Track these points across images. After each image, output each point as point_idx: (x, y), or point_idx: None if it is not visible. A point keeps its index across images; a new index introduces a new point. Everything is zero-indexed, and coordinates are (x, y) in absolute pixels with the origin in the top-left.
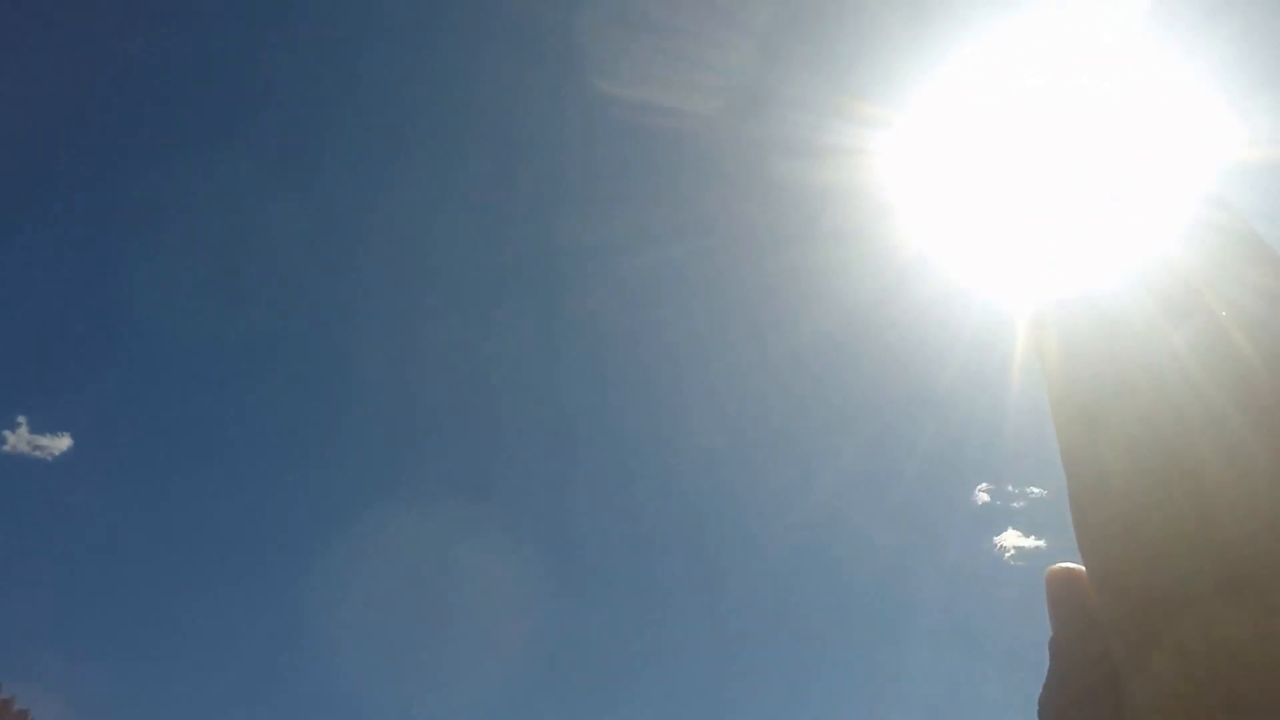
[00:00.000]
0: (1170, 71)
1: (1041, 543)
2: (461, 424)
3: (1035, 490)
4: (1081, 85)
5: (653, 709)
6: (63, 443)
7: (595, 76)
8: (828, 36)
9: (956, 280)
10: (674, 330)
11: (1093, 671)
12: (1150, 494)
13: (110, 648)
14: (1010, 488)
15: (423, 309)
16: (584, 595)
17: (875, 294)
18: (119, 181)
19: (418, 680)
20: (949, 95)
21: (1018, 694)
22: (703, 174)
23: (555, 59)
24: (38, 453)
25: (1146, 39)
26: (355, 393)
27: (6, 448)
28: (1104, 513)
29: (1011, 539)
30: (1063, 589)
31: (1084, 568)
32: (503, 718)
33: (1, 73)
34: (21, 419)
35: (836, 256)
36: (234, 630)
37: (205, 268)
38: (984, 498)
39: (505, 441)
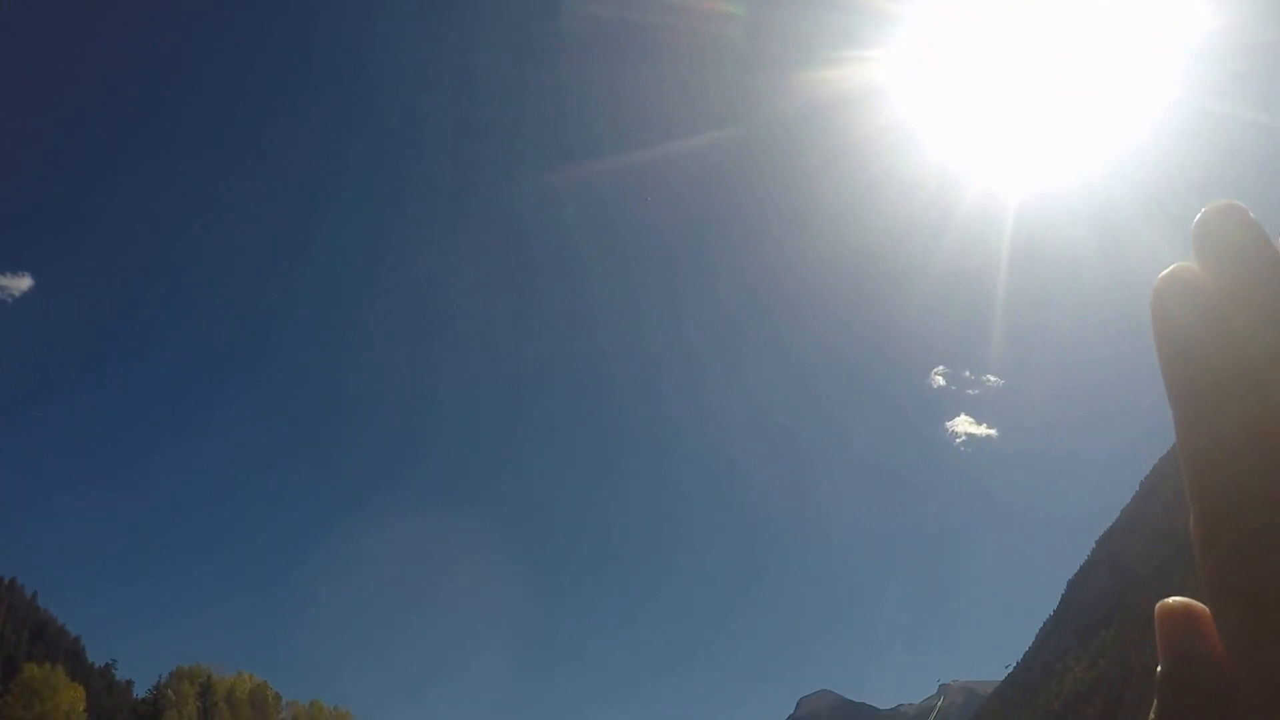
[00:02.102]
0: None
1: (993, 432)
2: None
3: (992, 379)
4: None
5: (649, 581)
6: (23, 283)
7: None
8: None
9: (940, 172)
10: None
11: (1207, 710)
12: (1270, 474)
13: (77, 486)
14: (967, 373)
15: (424, 222)
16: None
17: (857, 184)
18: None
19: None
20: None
21: (952, 578)
22: (713, 78)
23: None
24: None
25: None
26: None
27: None
28: (1220, 493)
29: (963, 425)
30: (1178, 624)
31: (1202, 604)
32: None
33: None
34: None
35: (823, 146)
36: (201, 465)
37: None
38: (939, 381)
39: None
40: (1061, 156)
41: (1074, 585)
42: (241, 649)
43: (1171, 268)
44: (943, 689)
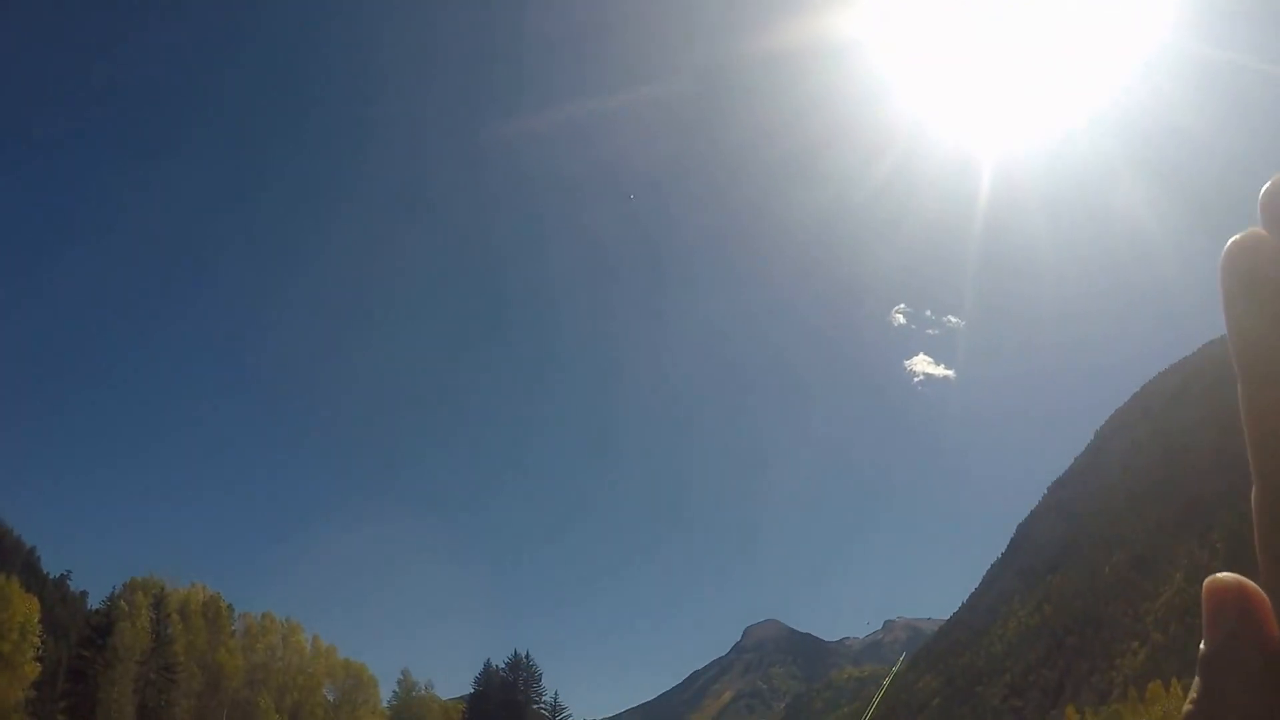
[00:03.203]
0: None
1: (951, 373)
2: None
3: (953, 319)
4: None
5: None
6: None
7: None
8: None
9: (918, 116)
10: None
11: (1255, 694)
12: None
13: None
14: (928, 313)
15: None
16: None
17: (831, 127)
18: None
19: None
20: None
21: (902, 517)
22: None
23: None
24: None
25: None
26: None
27: None
28: None
29: (922, 364)
30: (1229, 601)
31: (1257, 584)
32: None
33: None
34: None
35: (798, 94)
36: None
37: None
38: (900, 319)
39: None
40: (1041, 105)
41: (1023, 530)
42: (197, 561)
43: (1241, 234)
44: (887, 625)
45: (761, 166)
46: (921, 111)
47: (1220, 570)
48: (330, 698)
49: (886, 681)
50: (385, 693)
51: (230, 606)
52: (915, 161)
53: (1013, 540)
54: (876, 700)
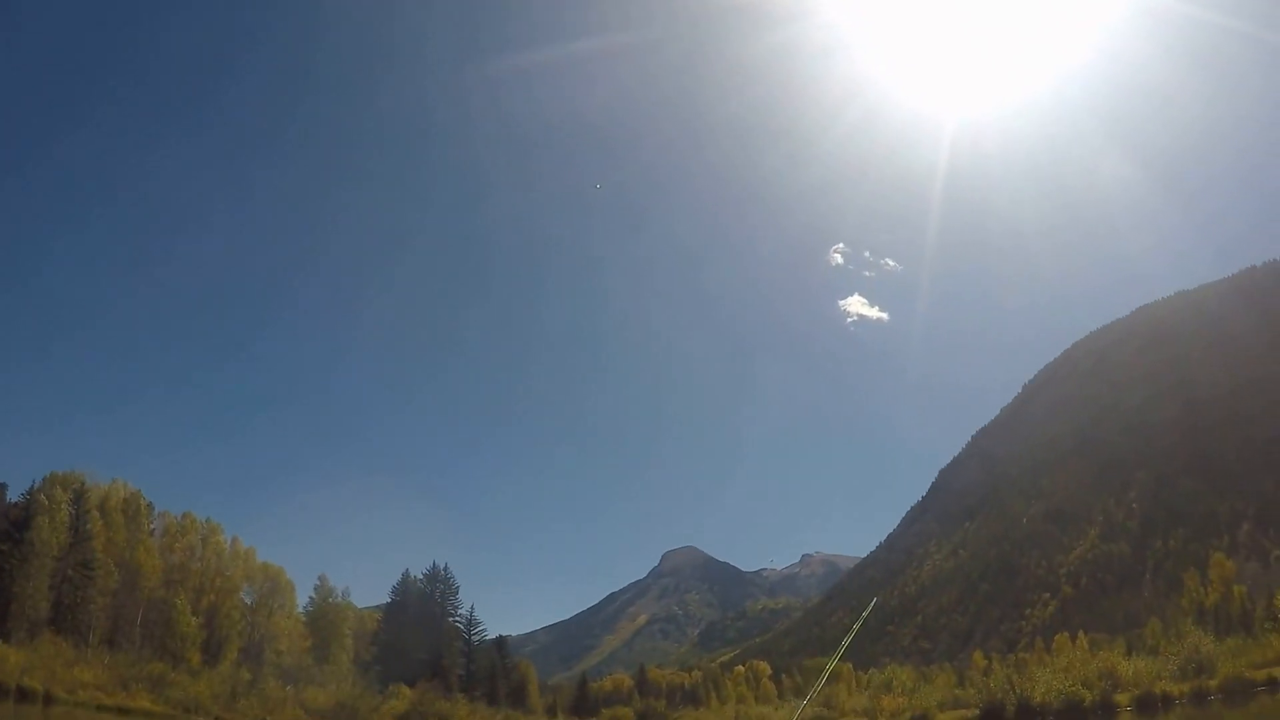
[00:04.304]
0: None
1: (885, 316)
2: None
3: (891, 263)
4: None
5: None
6: None
7: None
8: None
9: (875, 71)
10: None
11: None
12: None
13: None
14: (867, 254)
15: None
16: None
17: (792, 76)
18: None
19: None
20: None
21: (826, 454)
22: None
23: None
24: None
25: None
26: None
27: None
28: None
29: (856, 305)
30: None
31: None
32: None
33: None
34: None
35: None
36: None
37: None
38: (838, 259)
39: None
40: (1002, 61)
41: (944, 475)
42: (119, 458)
43: None
44: (805, 559)
45: (726, 109)
46: (883, 63)
47: (1134, 528)
48: (247, 600)
49: (856, 626)
50: (302, 598)
51: (150, 505)
52: (875, 109)
53: (934, 484)
54: (844, 644)
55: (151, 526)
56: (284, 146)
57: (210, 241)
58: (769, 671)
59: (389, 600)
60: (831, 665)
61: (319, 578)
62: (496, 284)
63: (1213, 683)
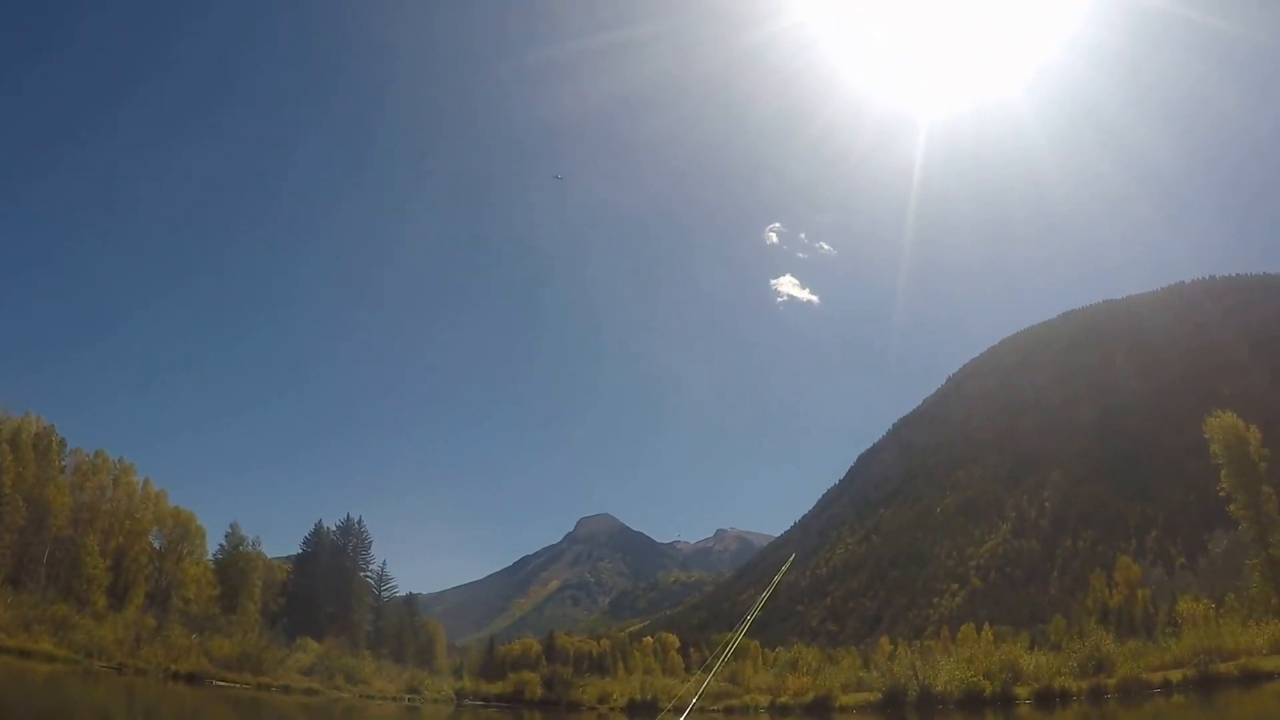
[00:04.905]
0: None
1: (815, 299)
2: None
3: (826, 247)
4: None
5: None
6: None
7: None
8: None
9: (829, 55)
10: None
11: None
12: None
13: None
14: (802, 235)
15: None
16: None
17: (749, 54)
18: None
19: None
20: None
21: (747, 431)
22: None
23: None
24: None
25: None
26: None
27: None
28: None
29: (787, 285)
30: None
31: None
32: None
33: None
34: None
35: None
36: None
37: None
38: (772, 238)
39: None
40: (966, 56)
41: (863, 460)
42: (33, 395)
43: None
44: (719, 534)
45: (686, 83)
46: (838, 48)
47: (1045, 526)
48: (156, 544)
49: (776, 578)
50: (212, 545)
51: (63, 441)
52: (826, 90)
53: (852, 469)
54: (762, 599)
55: (63, 464)
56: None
57: (148, 187)
58: (677, 644)
59: (300, 551)
60: (752, 617)
61: (230, 525)
62: (425, 240)
63: (1110, 681)
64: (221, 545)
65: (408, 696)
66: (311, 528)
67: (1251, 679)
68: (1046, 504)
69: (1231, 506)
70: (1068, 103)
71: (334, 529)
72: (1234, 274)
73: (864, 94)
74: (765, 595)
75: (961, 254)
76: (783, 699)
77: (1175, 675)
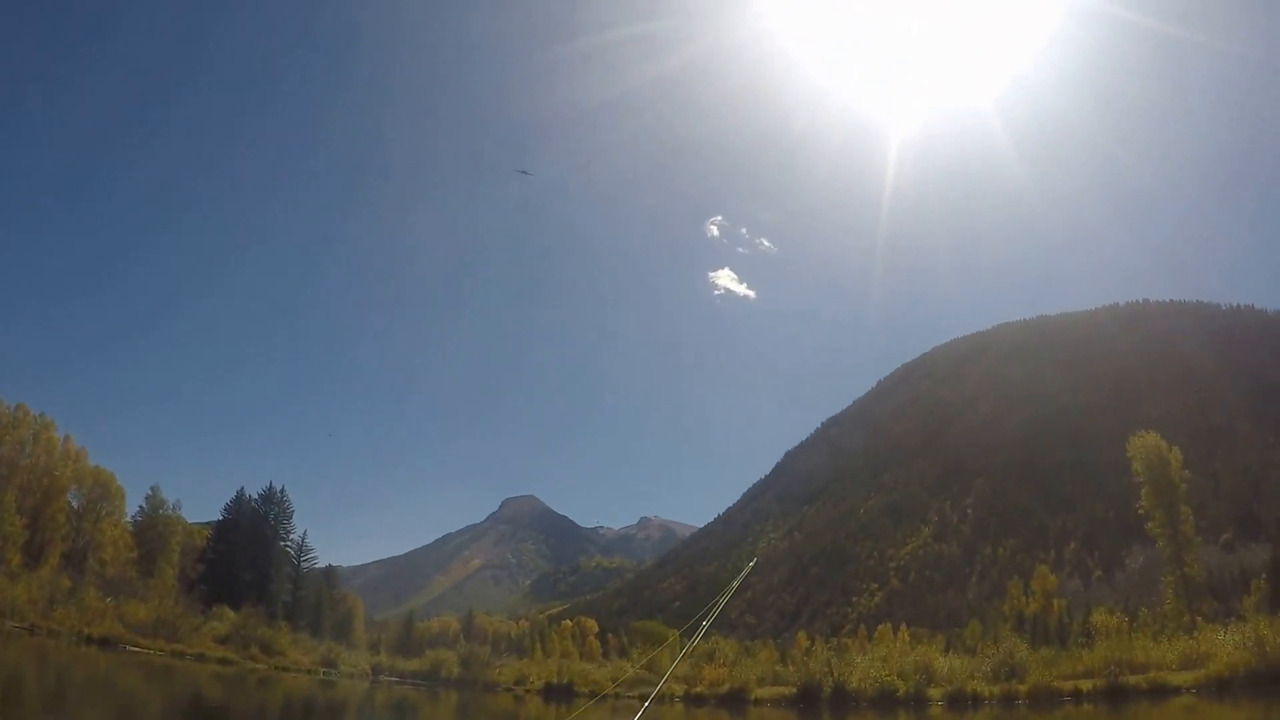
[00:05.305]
0: None
1: (752, 294)
2: None
3: (766, 243)
4: None
5: None
6: None
7: None
8: None
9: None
10: None
11: None
12: None
13: None
14: (744, 231)
15: None
16: None
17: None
18: None
19: None
20: None
21: (675, 421)
22: None
23: None
24: None
25: None
26: None
27: None
28: None
29: (725, 279)
30: None
31: None
32: None
33: None
34: None
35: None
36: None
37: None
38: (714, 231)
39: None
40: (928, 62)
41: (790, 457)
42: None
43: None
44: (643, 521)
45: (646, 82)
46: (806, 55)
47: (966, 532)
48: (74, 504)
49: (735, 583)
50: (132, 507)
51: None
52: (780, 92)
53: (778, 465)
54: (723, 602)
55: None
56: None
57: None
58: (596, 629)
59: (221, 518)
60: (707, 622)
61: (151, 488)
62: (365, 219)
63: (1023, 688)
64: (141, 508)
65: (323, 670)
66: (234, 494)
67: (1160, 693)
68: (969, 510)
69: (1149, 524)
70: (1038, 114)
71: (256, 497)
72: (1168, 300)
73: (829, 100)
74: (724, 599)
75: (923, 258)
76: (698, 689)
77: (1086, 685)
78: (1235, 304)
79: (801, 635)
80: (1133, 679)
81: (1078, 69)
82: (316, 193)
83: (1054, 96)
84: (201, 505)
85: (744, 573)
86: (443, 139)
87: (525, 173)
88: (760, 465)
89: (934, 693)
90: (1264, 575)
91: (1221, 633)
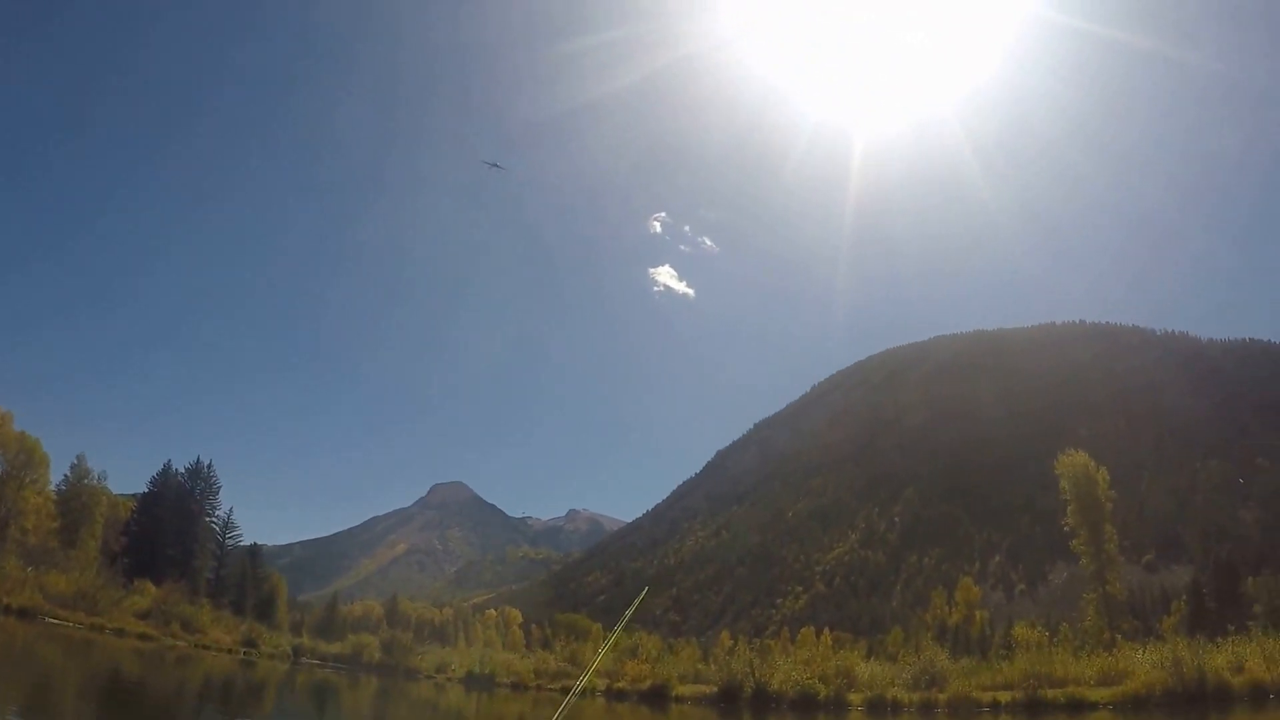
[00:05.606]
0: None
1: (691, 292)
2: None
3: (709, 243)
4: None
5: None
6: None
7: None
8: None
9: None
10: None
11: None
12: None
13: None
14: (687, 229)
15: None
16: None
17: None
18: None
19: None
20: None
21: (607, 414)
22: None
23: None
24: None
25: None
26: None
27: None
28: None
29: (665, 276)
30: None
31: None
32: None
33: None
34: None
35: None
36: None
37: None
38: (656, 227)
39: None
40: (891, 66)
41: (722, 456)
42: None
43: None
44: (571, 514)
45: (609, 90)
46: (751, 48)
47: (893, 540)
48: None
49: (629, 613)
50: (56, 476)
51: None
52: (736, 92)
53: (709, 464)
54: (629, 614)
55: None
56: None
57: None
58: (520, 620)
59: (146, 491)
60: (613, 635)
61: (76, 457)
62: (309, 201)
63: (942, 697)
64: (66, 477)
65: (244, 650)
66: (160, 467)
67: (1076, 707)
68: (897, 519)
69: (1074, 541)
70: (999, 124)
71: (182, 471)
72: (1104, 321)
73: (789, 107)
74: (618, 628)
75: (872, 266)
76: (620, 684)
77: (1004, 696)
78: (1169, 330)
79: (725, 635)
80: (1051, 693)
81: (1039, 79)
82: (263, 179)
83: (1014, 105)
84: (128, 478)
85: (635, 603)
86: (401, 134)
87: (496, 165)
88: (691, 463)
89: (854, 698)
90: (1184, 597)
91: (1140, 651)
